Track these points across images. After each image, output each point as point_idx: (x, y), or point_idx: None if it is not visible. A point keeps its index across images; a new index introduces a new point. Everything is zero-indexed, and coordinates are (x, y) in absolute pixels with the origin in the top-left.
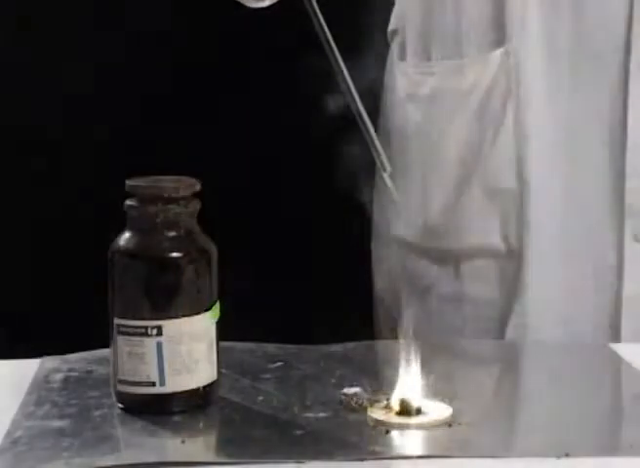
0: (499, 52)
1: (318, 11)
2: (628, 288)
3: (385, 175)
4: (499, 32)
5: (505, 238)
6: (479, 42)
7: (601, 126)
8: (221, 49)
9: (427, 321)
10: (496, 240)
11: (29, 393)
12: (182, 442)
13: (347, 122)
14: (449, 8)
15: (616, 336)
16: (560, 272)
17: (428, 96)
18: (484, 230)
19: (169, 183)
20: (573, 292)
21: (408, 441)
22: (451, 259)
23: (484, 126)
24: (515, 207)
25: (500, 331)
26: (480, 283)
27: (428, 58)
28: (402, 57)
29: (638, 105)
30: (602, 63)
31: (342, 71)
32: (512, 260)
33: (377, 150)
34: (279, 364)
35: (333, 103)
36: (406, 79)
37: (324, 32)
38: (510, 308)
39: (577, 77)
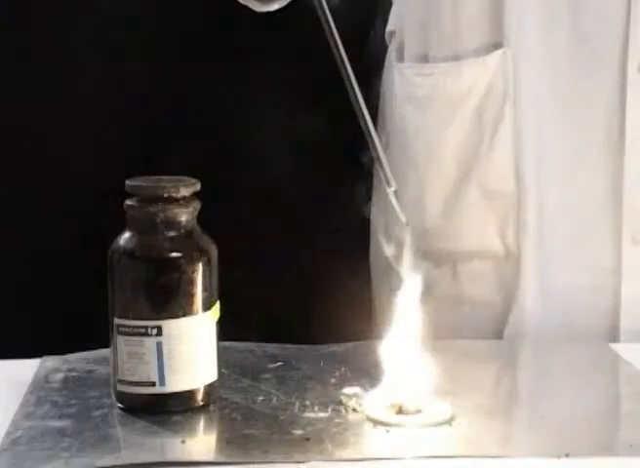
0: (496, 53)
1: (330, 17)
2: (627, 289)
3: (390, 192)
4: (496, 34)
5: (503, 239)
6: (477, 43)
7: (599, 127)
8: (222, 49)
9: (425, 321)
10: (493, 241)
11: (29, 393)
12: (182, 442)
13: (348, 122)
14: (446, 9)
15: (614, 337)
16: (558, 274)
17: (426, 97)
18: (482, 232)
19: (169, 183)
20: (571, 293)
21: (408, 441)
22: (449, 261)
23: (482, 127)
24: (513, 208)
25: (499, 333)
26: (478, 284)
27: (426, 60)
28: (400, 58)
29: (636, 106)
30: (600, 64)
31: (353, 86)
32: (510, 262)
33: (382, 166)
34: (279, 364)
35: (334, 101)
36: (404, 80)
37: (335, 41)
38: (508, 309)
39: (575, 78)
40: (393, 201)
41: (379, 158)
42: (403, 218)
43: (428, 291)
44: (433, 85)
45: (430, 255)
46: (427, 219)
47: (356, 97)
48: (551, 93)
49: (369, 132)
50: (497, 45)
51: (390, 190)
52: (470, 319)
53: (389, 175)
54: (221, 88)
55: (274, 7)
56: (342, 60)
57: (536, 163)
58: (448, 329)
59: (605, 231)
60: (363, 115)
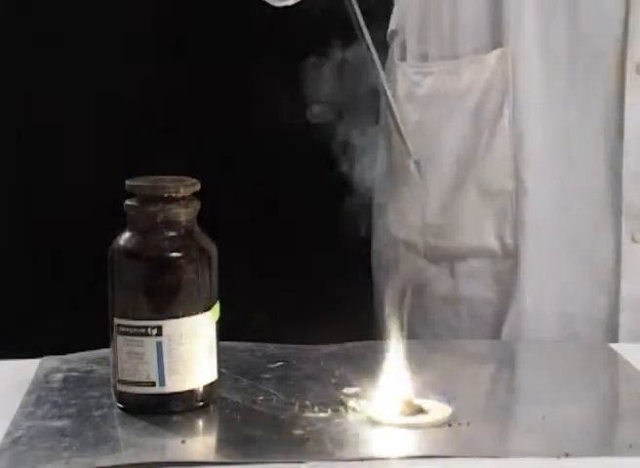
0: (495, 52)
1: (358, 10)
2: (625, 287)
3: (411, 163)
4: (495, 33)
5: (501, 238)
6: (475, 43)
7: (597, 126)
8: (222, 48)
9: (424, 320)
10: (491, 240)
11: (29, 393)
12: (182, 442)
13: (348, 123)
14: (446, 8)
15: (613, 336)
16: (556, 272)
17: (426, 96)
18: (479, 230)
19: (169, 183)
20: (569, 292)
21: (408, 441)
22: (447, 259)
23: (480, 126)
24: (511, 207)
25: (496, 331)
26: (476, 282)
27: (426, 59)
28: (402, 57)
29: (634, 106)
30: (598, 64)
31: (375, 59)
32: (507, 260)
33: (403, 139)
34: (279, 364)
35: (334, 103)
36: (405, 79)
37: (357, 20)
38: (506, 308)
39: (573, 78)
40: (413, 169)
41: (399, 131)
42: (425, 190)
43: (426, 289)
44: (432, 84)
45: (428, 253)
46: (426, 217)
47: (377, 67)
48: (549, 92)
49: (389, 104)
50: (495, 44)
51: (411, 161)
52: (468, 317)
53: (410, 146)
54: (222, 88)
55: (291, 1)
56: (368, 46)
57: (534, 161)
58: (446, 326)
59: (604, 230)
60: (384, 87)
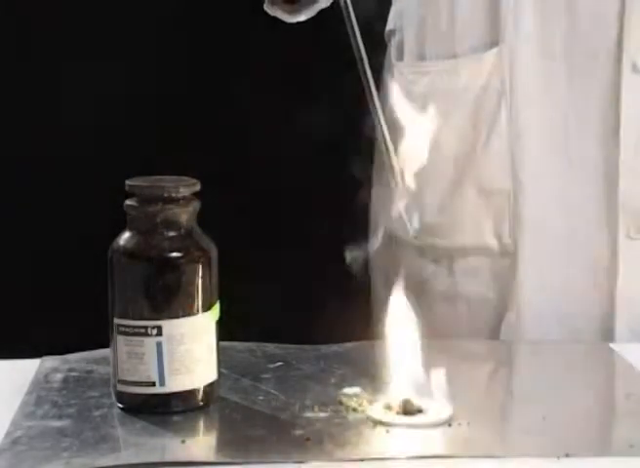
0: (492, 51)
1: (354, 19)
2: (622, 286)
3: (401, 205)
4: (492, 32)
5: (499, 237)
6: (473, 42)
7: (594, 125)
8: (222, 48)
9: (422, 318)
10: (489, 239)
11: (29, 393)
12: (182, 442)
13: (346, 123)
14: (443, 8)
15: (610, 334)
16: (554, 271)
17: (423, 95)
18: (478, 229)
19: (169, 183)
20: (567, 290)
21: (408, 441)
22: (445, 257)
23: (478, 125)
24: (509, 206)
25: (495, 330)
26: (474, 281)
27: (423, 58)
28: (399, 56)
29: (631, 104)
30: (595, 63)
31: (370, 88)
32: (506, 259)
33: (392, 167)
34: (279, 364)
35: (334, 103)
36: (402, 79)
37: (357, 44)
38: (504, 307)
39: (570, 76)
40: (403, 213)
41: (390, 160)
42: (410, 226)
43: (425, 287)
44: (430, 83)
45: (427, 252)
46: (424, 216)
47: (374, 103)
48: (547, 91)
49: (382, 131)
50: (492, 43)
51: (402, 203)
52: (466, 315)
53: (399, 176)
54: (222, 87)
55: (302, 18)
56: (363, 62)
57: (531, 160)
58: (444, 325)
59: (600, 228)
60: (377, 115)
